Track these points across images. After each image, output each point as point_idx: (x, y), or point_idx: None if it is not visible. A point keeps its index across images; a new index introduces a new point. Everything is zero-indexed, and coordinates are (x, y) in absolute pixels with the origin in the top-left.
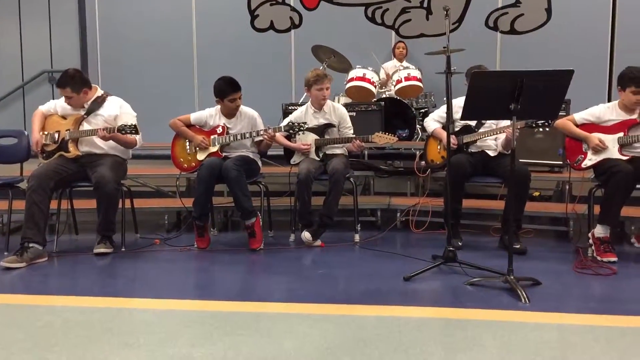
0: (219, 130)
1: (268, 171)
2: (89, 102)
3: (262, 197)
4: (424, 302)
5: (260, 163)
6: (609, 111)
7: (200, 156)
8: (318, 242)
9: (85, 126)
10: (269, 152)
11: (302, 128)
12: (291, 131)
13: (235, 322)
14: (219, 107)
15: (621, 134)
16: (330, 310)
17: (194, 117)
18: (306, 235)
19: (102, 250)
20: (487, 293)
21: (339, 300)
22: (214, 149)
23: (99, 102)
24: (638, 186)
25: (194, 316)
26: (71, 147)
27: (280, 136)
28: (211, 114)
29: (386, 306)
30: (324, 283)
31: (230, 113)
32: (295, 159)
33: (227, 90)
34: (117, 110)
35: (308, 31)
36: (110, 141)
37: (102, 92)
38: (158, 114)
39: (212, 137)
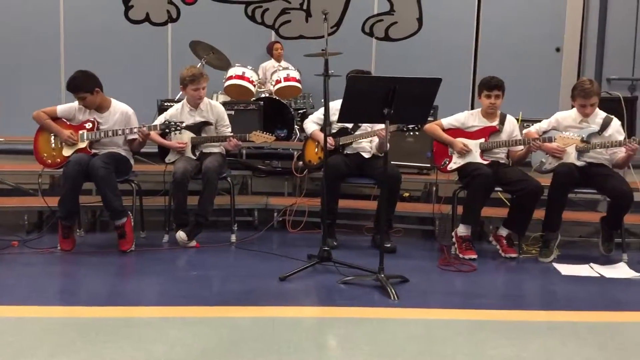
0: (89, 125)
1: (140, 169)
2: None
3: (133, 196)
4: (299, 301)
5: (132, 161)
6: (472, 118)
7: (67, 152)
8: (193, 243)
9: None
10: (142, 149)
11: (179, 128)
12: (167, 130)
13: (101, 329)
14: None
15: (482, 140)
16: (203, 312)
17: (61, 109)
18: (181, 235)
19: None
20: (359, 291)
21: (214, 302)
22: (82, 145)
23: None
24: (496, 189)
25: (55, 324)
26: None
27: (154, 133)
28: (80, 107)
29: (261, 307)
30: (198, 285)
31: (100, 107)
32: (170, 158)
33: (68, 88)
34: None
35: (186, 26)
36: None
37: None
38: (20, 106)
39: (80, 132)
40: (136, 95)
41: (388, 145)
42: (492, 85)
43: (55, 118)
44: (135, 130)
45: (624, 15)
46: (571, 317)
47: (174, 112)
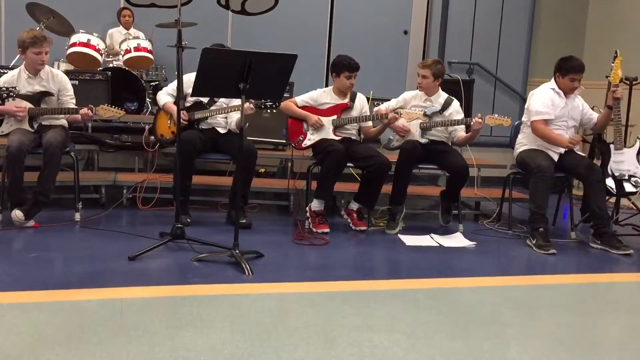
0: None
1: None
2: None
3: None
4: (150, 281)
5: None
6: (324, 95)
7: None
8: (31, 222)
9: None
10: None
11: (11, 94)
12: None
13: None
14: None
15: (335, 117)
16: (42, 297)
17: None
18: (17, 214)
19: None
20: (213, 268)
21: (55, 286)
22: None
23: None
24: (348, 164)
25: None
26: None
27: None
28: None
29: (108, 288)
30: (36, 268)
31: None
32: (3, 129)
33: None
34: None
35: None
36: None
37: None
38: None
39: None
40: None
41: (246, 121)
42: (353, 68)
43: None
44: None
45: (464, 4)
46: (412, 285)
47: (9, 78)
